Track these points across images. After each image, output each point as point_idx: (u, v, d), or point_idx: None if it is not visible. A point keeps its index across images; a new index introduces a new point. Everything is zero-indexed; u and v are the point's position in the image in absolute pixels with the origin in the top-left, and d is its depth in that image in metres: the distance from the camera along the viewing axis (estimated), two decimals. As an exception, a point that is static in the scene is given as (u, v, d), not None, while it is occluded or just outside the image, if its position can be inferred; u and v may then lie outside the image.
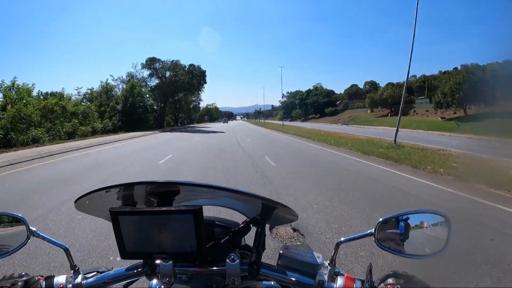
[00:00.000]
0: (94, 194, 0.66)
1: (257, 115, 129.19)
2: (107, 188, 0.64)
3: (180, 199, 0.71)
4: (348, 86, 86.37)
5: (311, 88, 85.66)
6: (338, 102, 79.29)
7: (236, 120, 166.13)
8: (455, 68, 59.25)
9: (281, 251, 0.69)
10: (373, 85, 79.90)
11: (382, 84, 74.25)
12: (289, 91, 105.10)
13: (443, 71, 64.25)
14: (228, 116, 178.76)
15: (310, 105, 78.10)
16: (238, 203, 0.76)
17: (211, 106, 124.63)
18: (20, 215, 0.72)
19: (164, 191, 0.67)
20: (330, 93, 79.20)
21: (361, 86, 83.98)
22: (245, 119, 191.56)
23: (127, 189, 0.66)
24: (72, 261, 0.69)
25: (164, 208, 0.58)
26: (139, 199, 0.70)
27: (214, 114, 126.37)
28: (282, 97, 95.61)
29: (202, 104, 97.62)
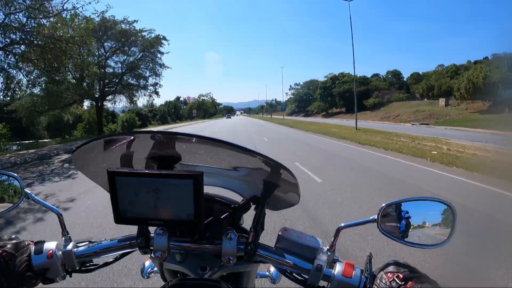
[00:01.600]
0: (94, 143, 0.62)
1: (267, 108, 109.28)
2: (107, 137, 0.62)
3: (182, 166, 0.69)
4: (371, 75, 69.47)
5: (335, 74, 66.46)
6: (377, 93, 60.70)
7: (237, 115, 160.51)
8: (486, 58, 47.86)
9: (280, 233, 0.67)
10: (397, 75, 69.74)
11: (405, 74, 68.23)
12: (298, 82, 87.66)
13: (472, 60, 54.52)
14: (228, 111, 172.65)
15: (340, 95, 59.08)
16: (240, 184, 0.75)
17: (205, 98, 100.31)
18: (15, 174, 0.71)
19: (165, 156, 0.66)
20: (366, 80, 60.03)
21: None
22: (245, 114, 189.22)
23: (128, 144, 0.63)
24: (64, 228, 0.67)
25: (163, 171, 0.56)
26: (138, 162, 0.68)
27: (210, 109, 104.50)
28: (290, 88, 77.55)
29: (180, 93, 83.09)
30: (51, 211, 0.71)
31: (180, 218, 0.56)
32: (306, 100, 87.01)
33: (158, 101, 77.95)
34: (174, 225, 0.60)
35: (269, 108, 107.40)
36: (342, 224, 0.67)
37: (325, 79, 68.50)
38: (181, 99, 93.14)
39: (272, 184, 0.70)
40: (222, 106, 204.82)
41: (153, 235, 0.63)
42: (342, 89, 58.28)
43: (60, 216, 0.69)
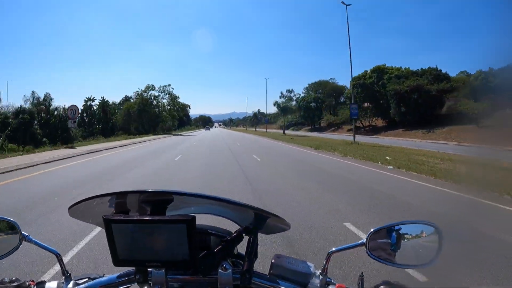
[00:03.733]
0: (88, 201, 0.67)
1: (254, 121, 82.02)
2: (100, 196, 0.65)
3: (173, 207, 0.70)
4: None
5: (379, 65, 41.75)
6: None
7: (215, 127, 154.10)
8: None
9: (273, 260, 0.70)
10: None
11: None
12: (291, 89, 62.39)
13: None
14: (206, 122, 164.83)
15: (400, 97, 34.10)
16: (231, 212, 0.77)
17: (157, 93, 60.50)
18: (12, 219, 0.73)
19: (157, 200, 0.68)
20: (443, 75, 35.22)
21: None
22: (224, 126, 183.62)
23: (120, 197, 0.66)
24: (63, 267, 0.69)
25: (157, 217, 0.58)
26: (132, 206, 0.70)
27: (169, 115, 65.53)
28: (282, 96, 52.50)
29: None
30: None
31: (175, 259, 0.58)
32: (314, 109, 62.08)
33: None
34: (170, 266, 0.62)
35: (254, 120, 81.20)
36: (334, 249, 0.72)
37: (359, 74, 43.43)
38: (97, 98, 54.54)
39: (263, 217, 0.72)
40: (198, 116, 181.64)
41: (150, 269, 0.64)
42: (406, 86, 33.40)
43: (58, 256, 0.71)
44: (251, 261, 0.67)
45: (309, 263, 0.70)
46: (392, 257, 0.68)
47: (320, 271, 0.69)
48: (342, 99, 64.86)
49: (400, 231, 0.69)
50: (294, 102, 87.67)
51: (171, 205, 0.69)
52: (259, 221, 0.72)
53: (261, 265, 1.36)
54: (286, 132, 53.87)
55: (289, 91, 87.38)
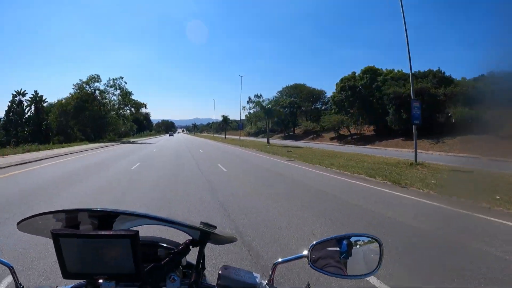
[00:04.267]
0: (37, 217, 0.68)
1: (223, 126, 73.61)
2: (49, 213, 0.67)
3: (122, 220, 0.72)
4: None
5: (373, 66, 37.24)
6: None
7: (178, 133, 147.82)
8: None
9: (220, 272, 0.71)
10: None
11: None
12: (259, 94, 54.74)
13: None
14: (169, 127, 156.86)
15: (400, 102, 29.60)
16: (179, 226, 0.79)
17: (101, 85, 45.19)
18: None
19: (104, 215, 0.70)
20: (447, 79, 31.31)
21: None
22: (187, 132, 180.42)
23: (69, 212, 0.69)
24: (17, 280, 0.70)
25: (102, 232, 0.61)
26: (81, 221, 0.72)
27: (116, 116, 51.78)
28: (249, 101, 45.18)
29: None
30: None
31: (122, 272, 0.60)
32: (289, 114, 56.67)
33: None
34: (118, 278, 0.63)
35: (223, 126, 73.54)
36: (279, 260, 0.76)
37: (347, 75, 38.49)
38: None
39: (210, 227, 0.76)
40: (160, 121, 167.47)
41: (101, 281, 0.65)
42: (407, 89, 29.10)
43: (11, 269, 0.71)
44: (199, 273, 0.72)
45: (255, 274, 0.72)
46: (337, 267, 0.70)
47: (266, 281, 0.72)
48: (320, 105, 60.50)
49: (344, 243, 0.72)
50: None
51: (121, 218, 0.71)
52: (205, 234, 0.75)
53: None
54: (261, 140, 47.36)
55: (257, 96, 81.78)
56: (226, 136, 62.28)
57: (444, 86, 29.18)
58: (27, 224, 0.71)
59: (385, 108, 33.29)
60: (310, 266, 0.72)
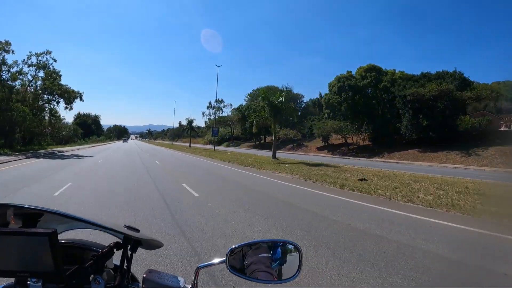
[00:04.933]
0: None
1: (188, 133, 63.60)
2: None
3: (50, 220, 0.73)
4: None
5: (373, 64, 31.82)
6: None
7: (131, 139, 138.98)
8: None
9: (144, 275, 0.73)
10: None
11: None
12: (220, 99, 47.03)
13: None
14: (121, 132, 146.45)
15: (418, 106, 24.20)
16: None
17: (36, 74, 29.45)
18: None
19: (28, 213, 0.71)
20: (465, 81, 26.77)
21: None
22: (140, 139, 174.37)
23: None
24: None
25: (20, 230, 0.61)
26: (8, 218, 0.72)
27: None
28: (209, 106, 35.80)
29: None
30: None
31: (43, 270, 0.61)
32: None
33: None
34: (39, 277, 0.64)
35: (188, 132, 63.86)
36: (201, 264, 0.78)
37: (340, 75, 32.62)
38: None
39: (133, 231, 0.77)
40: (112, 126, 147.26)
41: (30, 283, 0.66)
42: (427, 91, 23.83)
43: None
44: (123, 275, 0.73)
45: (179, 278, 0.75)
46: (253, 272, 0.72)
47: (190, 285, 0.75)
48: (299, 110, 54.64)
49: (263, 248, 0.75)
50: (229, 113, 72.83)
51: (48, 218, 0.72)
52: (128, 238, 0.76)
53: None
54: (233, 150, 39.34)
55: (218, 101, 72.93)
56: (191, 145, 52.65)
57: (469, 89, 24.51)
58: None
59: (394, 113, 27.82)
60: (229, 271, 0.74)
